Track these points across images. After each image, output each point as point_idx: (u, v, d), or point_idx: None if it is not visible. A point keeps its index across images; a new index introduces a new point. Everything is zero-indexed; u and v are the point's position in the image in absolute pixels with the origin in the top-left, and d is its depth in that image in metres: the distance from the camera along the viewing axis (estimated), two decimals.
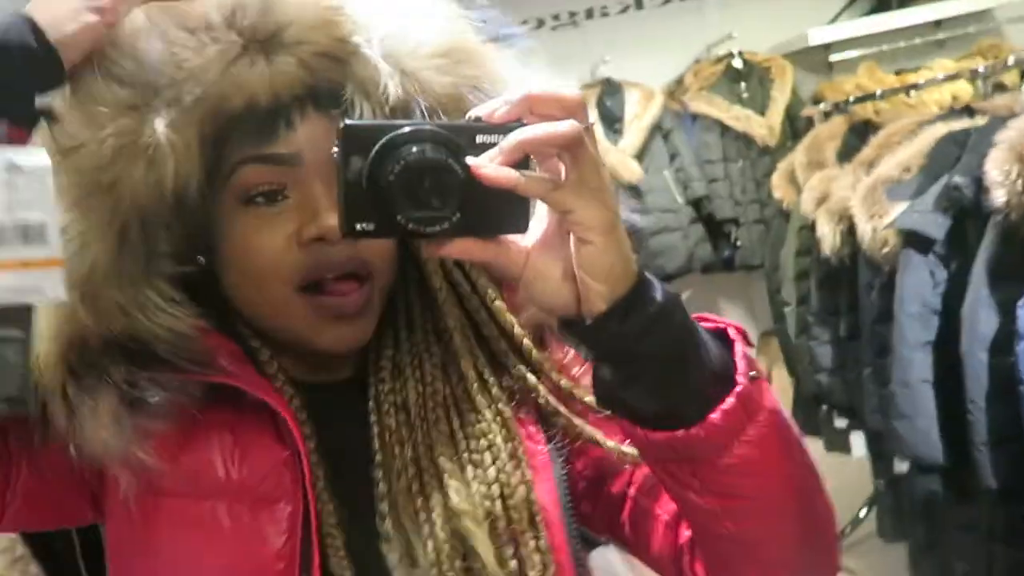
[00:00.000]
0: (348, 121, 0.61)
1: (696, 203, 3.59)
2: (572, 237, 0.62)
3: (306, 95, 0.70)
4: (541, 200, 0.61)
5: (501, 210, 0.62)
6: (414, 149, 0.59)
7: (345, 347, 0.75)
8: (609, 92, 3.67)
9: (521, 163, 0.61)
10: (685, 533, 0.78)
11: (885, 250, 2.18)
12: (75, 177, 0.66)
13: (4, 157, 0.56)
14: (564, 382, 0.81)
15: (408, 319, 0.81)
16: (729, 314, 4.00)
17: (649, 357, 0.62)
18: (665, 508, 0.79)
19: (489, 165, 0.59)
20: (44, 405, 0.68)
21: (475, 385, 0.78)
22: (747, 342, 0.68)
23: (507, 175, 0.59)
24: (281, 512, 0.71)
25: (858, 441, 2.71)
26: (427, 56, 0.73)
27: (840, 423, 2.73)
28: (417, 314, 0.81)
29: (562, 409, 0.80)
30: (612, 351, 0.63)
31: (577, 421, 0.80)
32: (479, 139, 0.61)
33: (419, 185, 0.59)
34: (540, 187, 0.60)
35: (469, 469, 0.76)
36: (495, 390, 0.79)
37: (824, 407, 2.79)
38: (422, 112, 0.71)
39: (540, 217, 0.65)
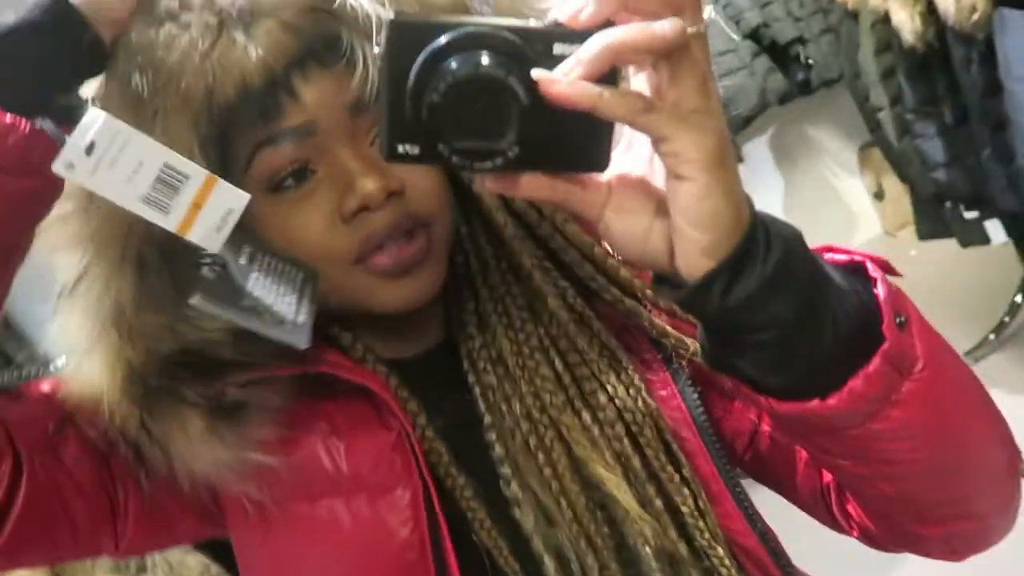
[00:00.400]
0: (396, 16, 0.49)
1: (753, 34, 3.36)
2: (667, 172, 0.50)
3: (301, 58, 0.61)
4: (628, 125, 0.49)
5: (576, 139, 0.50)
6: (467, 60, 0.47)
7: (413, 302, 0.67)
8: None
9: (606, 77, 0.47)
10: (828, 474, 0.72)
11: (975, 16, 2.02)
12: (80, 212, 0.61)
13: (72, 149, 0.54)
14: (663, 300, 0.71)
15: (481, 262, 0.73)
16: (819, 137, 3.81)
17: (766, 326, 0.51)
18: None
19: (561, 80, 0.46)
20: (136, 447, 0.65)
21: (568, 321, 0.71)
22: (889, 272, 0.56)
23: (583, 93, 0.46)
24: (400, 499, 0.66)
25: (994, 228, 2.55)
26: None
27: (970, 215, 2.57)
28: (489, 255, 0.73)
29: (669, 330, 0.72)
30: (718, 320, 0.52)
31: (689, 340, 0.71)
32: (557, 49, 0.48)
33: (468, 109, 0.48)
34: (627, 108, 0.47)
35: (585, 413, 0.69)
36: (593, 322, 0.72)
37: (948, 204, 2.62)
38: None
39: (627, 145, 0.54)
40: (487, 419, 0.70)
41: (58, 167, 0.54)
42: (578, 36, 0.48)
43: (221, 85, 0.59)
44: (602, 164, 0.52)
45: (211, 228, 0.58)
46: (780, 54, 3.43)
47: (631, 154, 0.54)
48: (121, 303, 0.63)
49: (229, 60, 0.59)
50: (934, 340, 0.56)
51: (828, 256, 0.56)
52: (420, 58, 0.48)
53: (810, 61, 3.39)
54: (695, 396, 0.71)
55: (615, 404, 0.69)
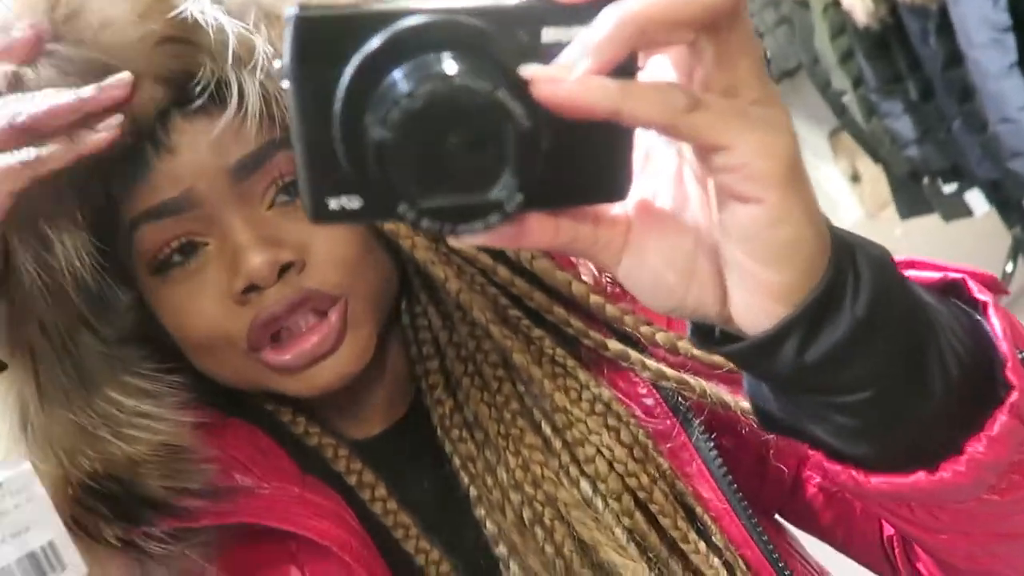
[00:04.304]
0: (301, 9, 0.33)
1: None
2: (715, 194, 0.36)
3: (165, 102, 0.53)
4: (666, 133, 0.35)
5: (585, 160, 0.36)
6: (424, 71, 0.32)
7: (336, 384, 0.57)
8: None
9: (622, 70, 0.33)
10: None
11: None
12: None
13: None
14: (660, 336, 0.60)
15: (442, 315, 0.63)
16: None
17: (858, 385, 0.38)
18: None
19: (565, 78, 0.32)
20: None
21: (542, 377, 0.60)
22: (996, 290, 0.44)
23: (602, 93, 0.32)
24: None
25: (975, 199, 2.51)
26: None
27: (949, 188, 2.52)
28: (451, 306, 0.62)
29: (667, 371, 0.60)
30: (790, 380, 0.38)
31: (693, 381, 0.60)
32: (548, 35, 0.34)
33: (439, 147, 0.32)
34: (665, 108, 0.33)
35: (584, 483, 0.59)
36: (579, 373, 0.60)
37: (925, 180, 2.57)
38: None
39: (643, 158, 0.39)
40: (472, 492, 0.60)
41: None
42: (576, 13, 0.33)
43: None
44: (621, 191, 0.37)
45: None
46: None
47: (650, 171, 0.39)
48: (24, 398, 0.54)
49: None
50: None
51: (912, 274, 0.43)
52: (348, 72, 0.33)
53: (768, 54, 3.37)
54: (711, 446, 0.60)
55: (617, 471, 0.59)
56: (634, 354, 0.60)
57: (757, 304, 0.37)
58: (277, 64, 0.38)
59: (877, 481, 0.40)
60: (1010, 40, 1.87)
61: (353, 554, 0.55)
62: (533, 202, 0.34)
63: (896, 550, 0.62)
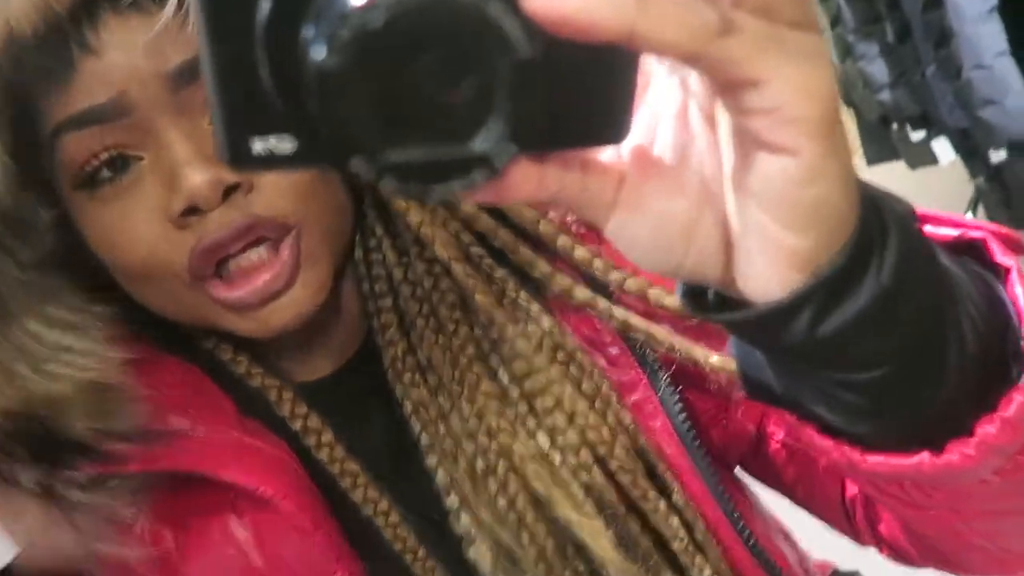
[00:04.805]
0: None
1: None
2: (734, 140, 0.31)
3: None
4: (685, 61, 0.28)
5: (577, 94, 0.29)
6: None
7: (289, 325, 0.53)
8: None
9: None
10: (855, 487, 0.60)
11: None
12: None
13: None
14: (631, 283, 0.56)
15: (398, 251, 0.59)
16: None
17: (874, 361, 0.33)
18: None
19: None
20: None
21: (506, 322, 0.57)
22: (1019, 250, 0.40)
23: (614, 9, 0.26)
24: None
25: (941, 147, 2.51)
26: None
27: (917, 135, 2.53)
28: (408, 241, 0.58)
29: (635, 322, 0.57)
30: (798, 353, 0.34)
31: (661, 334, 0.57)
32: None
33: (405, 80, 0.25)
34: (692, 31, 0.26)
35: (541, 436, 0.57)
36: (543, 318, 0.57)
37: (894, 126, 2.57)
38: None
39: (645, 92, 0.34)
40: (424, 439, 0.58)
41: None
42: None
43: None
44: (619, 133, 0.31)
45: None
46: None
47: (647, 106, 0.33)
48: None
49: None
50: None
51: (928, 231, 0.37)
52: None
53: None
54: (676, 400, 0.58)
55: (576, 425, 0.56)
56: (602, 301, 0.58)
57: (770, 270, 0.31)
58: None
59: (875, 461, 0.36)
60: None
61: (296, 503, 0.52)
62: (521, 144, 0.27)
63: (858, 511, 0.61)
